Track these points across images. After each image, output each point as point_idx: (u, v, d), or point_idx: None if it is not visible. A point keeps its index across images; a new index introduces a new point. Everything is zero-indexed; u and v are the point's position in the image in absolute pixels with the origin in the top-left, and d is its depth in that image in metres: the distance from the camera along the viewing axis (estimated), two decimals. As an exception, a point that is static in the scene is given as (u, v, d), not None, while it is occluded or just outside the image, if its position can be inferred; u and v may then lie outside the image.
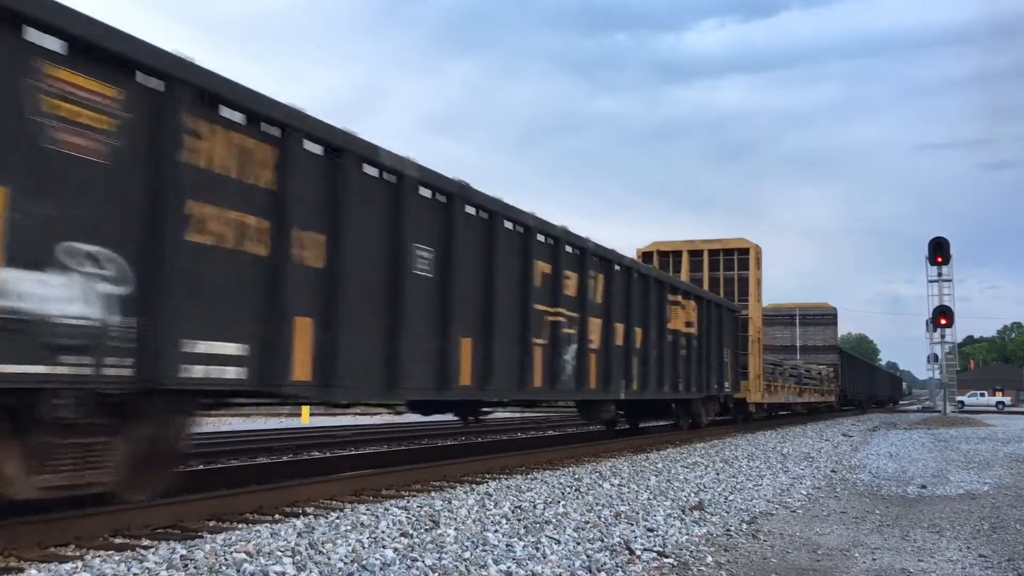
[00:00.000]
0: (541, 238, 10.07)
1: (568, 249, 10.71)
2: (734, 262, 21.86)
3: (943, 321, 32.06)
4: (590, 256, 11.26)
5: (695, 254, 22.00)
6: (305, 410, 25.38)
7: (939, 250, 32.20)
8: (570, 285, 10.69)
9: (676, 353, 14.87)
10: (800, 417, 30.33)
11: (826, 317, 39.09)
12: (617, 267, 12.32)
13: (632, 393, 12.80)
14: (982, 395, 63.66)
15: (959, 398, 51.26)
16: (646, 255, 21.66)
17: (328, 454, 12.16)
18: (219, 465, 10.26)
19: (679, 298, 15.24)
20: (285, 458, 11.17)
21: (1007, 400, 61.68)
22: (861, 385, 46.40)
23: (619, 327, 12.19)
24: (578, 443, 13.78)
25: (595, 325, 11.29)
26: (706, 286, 20.71)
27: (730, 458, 12.26)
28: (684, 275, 21.16)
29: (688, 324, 15.53)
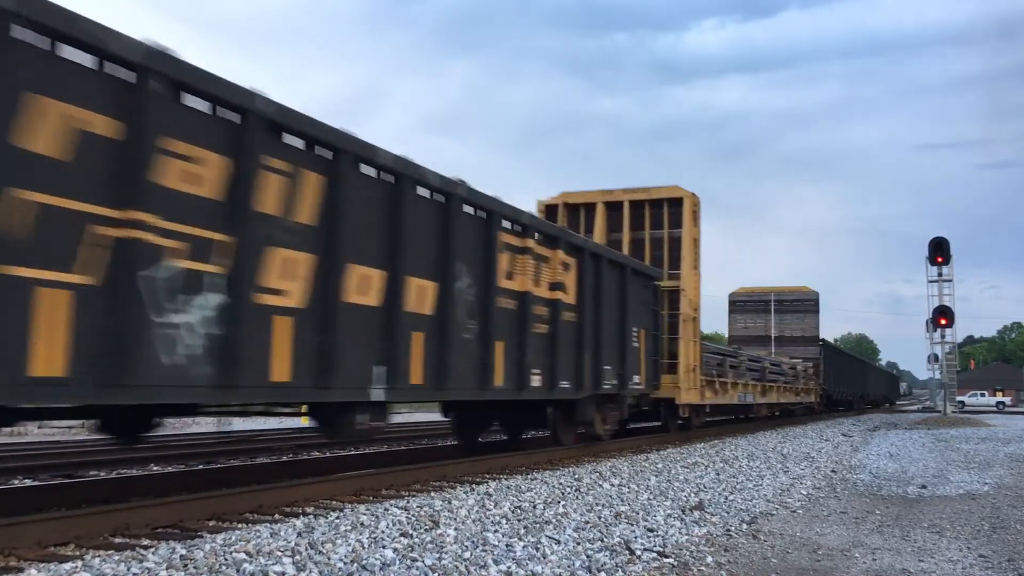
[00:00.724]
0: (71, 55, 4.91)
1: (196, 104, 5.71)
2: (663, 217, 16.78)
3: (943, 321, 32.04)
4: (262, 128, 6.13)
5: (613, 207, 16.91)
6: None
7: (939, 250, 32.17)
8: (198, 177, 5.69)
9: (523, 329, 9.71)
10: (799, 418, 29.04)
11: (806, 303, 33.25)
12: (369, 170, 7.32)
13: (408, 391, 7.83)
14: (982, 395, 63.63)
15: (959, 398, 51.27)
16: (550, 208, 17.10)
17: (328, 454, 12.16)
18: (219, 465, 10.27)
19: (530, 243, 9.92)
20: (285, 458, 11.17)
21: (1007, 400, 61.62)
22: (850, 383, 40.48)
23: (368, 274, 7.23)
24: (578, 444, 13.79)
25: (290, 264, 6.45)
26: (626, 249, 16.13)
27: (730, 458, 12.26)
28: (599, 235, 16.37)
29: (554, 287, 10.57)
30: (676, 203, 16.71)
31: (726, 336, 35.73)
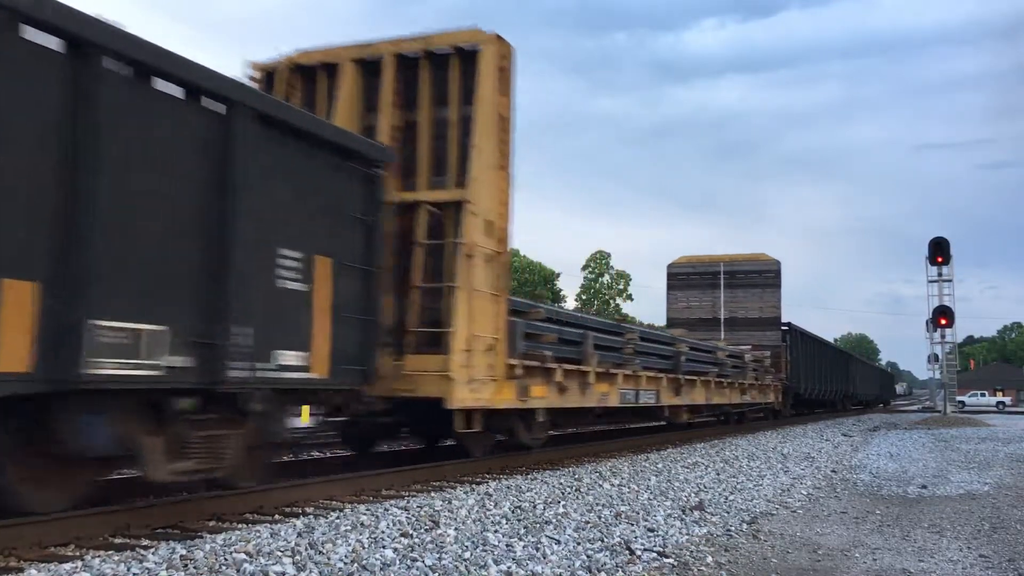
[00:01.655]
0: None
1: None
2: (452, 84, 9.67)
3: (943, 321, 32.04)
4: None
5: (369, 67, 9.88)
6: (305, 409, 25.39)
7: (939, 250, 32.17)
8: None
9: None
10: (799, 417, 27.58)
11: (765, 275, 26.00)
12: None
13: None
14: (982, 395, 63.68)
15: (959, 398, 51.28)
16: (268, 76, 10.16)
17: (328, 454, 12.15)
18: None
19: None
20: (285, 458, 11.16)
21: (1007, 400, 61.72)
22: (828, 379, 32.83)
23: None
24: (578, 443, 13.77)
25: None
26: (384, 137, 9.43)
27: (730, 458, 12.27)
28: (344, 116, 9.50)
29: None
30: (468, 56, 9.57)
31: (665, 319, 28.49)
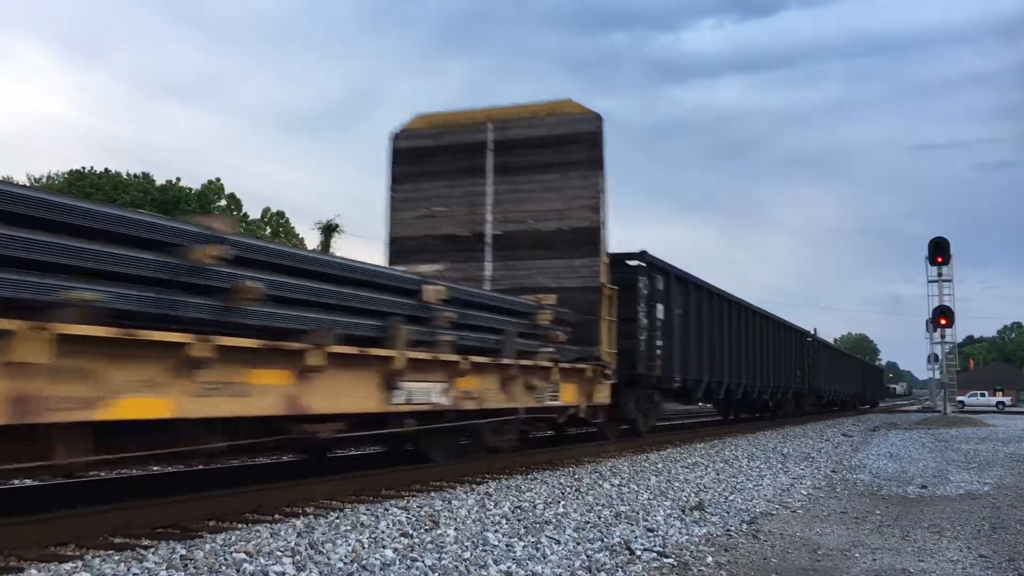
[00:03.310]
0: None
1: None
2: None
3: (943, 321, 32.03)
4: None
5: None
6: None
7: (939, 250, 32.16)
8: None
9: None
10: (796, 419, 27.62)
11: (570, 145, 11.80)
12: None
13: None
14: (982, 395, 63.68)
15: (959, 398, 51.26)
16: None
17: (328, 454, 12.14)
18: (219, 465, 10.26)
19: None
20: (285, 458, 11.16)
21: (1007, 400, 61.71)
22: (753, 366, 20.79)
23: None
24: (578, 443, 13.77)
25: None
26: None
27: (730, 458, 12.27)
28: None
29: None
30: None
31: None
